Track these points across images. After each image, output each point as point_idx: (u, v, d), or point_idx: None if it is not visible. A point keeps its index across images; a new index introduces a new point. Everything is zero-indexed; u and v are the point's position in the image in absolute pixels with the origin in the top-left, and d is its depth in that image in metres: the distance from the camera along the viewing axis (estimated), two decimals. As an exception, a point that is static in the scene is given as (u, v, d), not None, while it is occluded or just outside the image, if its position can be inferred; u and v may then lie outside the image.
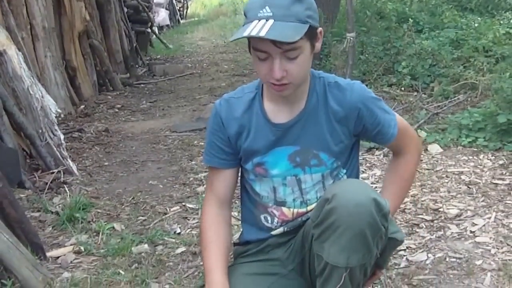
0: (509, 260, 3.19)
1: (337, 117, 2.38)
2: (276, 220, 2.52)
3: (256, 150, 2.44)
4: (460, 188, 4.28)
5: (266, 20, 2.10)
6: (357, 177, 2.63)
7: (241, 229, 2.76)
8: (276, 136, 2.41)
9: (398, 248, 3.24)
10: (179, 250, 3.65)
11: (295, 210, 2.49)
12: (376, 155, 5.15)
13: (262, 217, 2.55)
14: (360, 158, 4.60)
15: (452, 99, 6.68)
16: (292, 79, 2.20)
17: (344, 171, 2.51)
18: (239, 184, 2.67)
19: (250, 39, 2.20)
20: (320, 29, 2.25)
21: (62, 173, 5.12)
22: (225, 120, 2.47)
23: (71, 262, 3.57)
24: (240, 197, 2.74)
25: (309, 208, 2.46)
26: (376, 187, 4.23)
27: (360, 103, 2.37)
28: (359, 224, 2.06)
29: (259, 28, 2.08)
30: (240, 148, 2.48)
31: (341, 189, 2.14)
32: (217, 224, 2.50)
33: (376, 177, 4.69)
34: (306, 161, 2.41)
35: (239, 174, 2.59)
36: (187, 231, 3.96)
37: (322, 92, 2.40)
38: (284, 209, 2.50)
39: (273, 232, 2.54)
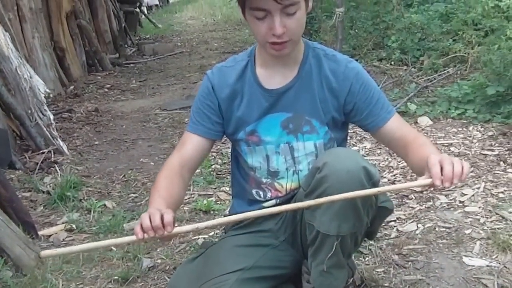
0: (497, 229, 3.22)
1: (329, 86, 2.38)
2: (269, 195, 2.53)
3: (249, 117, 2.44)
4: (449, 159, 4.29)
5: None
6: None
7: (231, 204, 2.77)
8: (269, 102, 2.41)
9: (388, 219, 3.29)
10: (170, 226, 3.65)
11: (288, 185, 2.49)
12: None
13: (253, 191, 2.55)
14: (350, 131, 4.65)
15: (442, 72, 6.69)
16: (291, 35, 2.20)
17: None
18: (230, 159, 2.66)
19: (251, 1, 2.17)
20: None
21: (52, 153, 5.12)
22: (217, 87, 2.45)
23: (63, 240, 3.58)
24: (231, 172, 2.74)
25: (301, 182, 2.45)
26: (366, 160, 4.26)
27: (353, 77, 2.37)
28: (350, 192, 2.06)
29: None
30: (231, 117, 2.47)
31: (331, 158, 2.15)
32: (172, 180, 2.34)
33: (366, 149, 4.71)
34: (298, 128, 2.41)
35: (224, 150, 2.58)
36: (178, 207, 3.96)
37: (316, 61, 2.41)
38: (277, 185, 2.50)
39: (265, 204, 2.54)
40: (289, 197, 2.51)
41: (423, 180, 1.98)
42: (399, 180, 4.02)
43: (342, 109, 2.42)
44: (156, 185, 2.32)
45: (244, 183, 2.59)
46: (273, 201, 2.53)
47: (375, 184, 2.15)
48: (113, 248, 3.35)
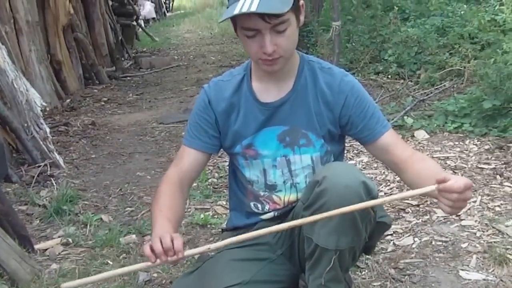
0: (494, 242, 3.22)
1: (324, 99, 2.40)
2: (267, 207, 2.54)
3: (245, 131, 2.45)
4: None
5: None
6: None
7: (229, 216, 2.77)
8: (265, 115, 2.43)
9: (385, 233, 3.27)
10: (166, 240, 3.65)
11: (286, 198, 2.50)
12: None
13: (252, 204, 2.56)
14: (347, 145, 4.65)
15: (438, 86, 6.71)
16: (282, 52, 2.23)
17: (332, 160, 2.52)
18: (227, 173, 2.66)
19: (237, 19, 2.21)
20: (302, 2, 2.29)
21: (48, 166, 5.10)
22: (213, 100, 2.48)
23: (59, 254, 3.56)
24: (228, 185, 2.74)
25: (299, 194, 2.47)
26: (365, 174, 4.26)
27: (348, 91, 2.39)
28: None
29: (248, 5, 2.10)
30: (228, 131, 2.48)
31: (331, 172, 2.16)
32: (173, 197, 2.37)
33: (363, 163, 4.70)
34: (295, 141, 2.43)
35: (224, 165, 2.58)
36: (174, 221, 3.96)
37: (311, 74, 2.43)
38: (275, 197, 2.51)
39: (263, 217, 2.54)
40: (288, 210, 2.52)
41: (426, 188, 1.98)
42: (396, 194, 4.01)
43: (337, 122, 2.43)
44: (158, 203, 2.33)
45: (242, 196, 2.60)
46: (271, 214, 2.54)
47: (373, 199, 2.15)
48: (109, 262, 3.35)
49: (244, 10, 2.09)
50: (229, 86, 2.49)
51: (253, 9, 2.08)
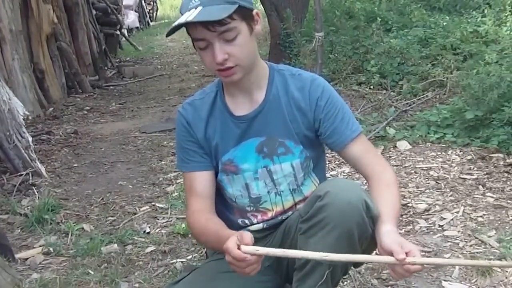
0: (477, 253, 3.23)
1: (297, 105, 2.39)
2: (255, 221, 2.53)
3: (224, 147, 2.44)
4: (428, 183, 4.31)
5: (195, 8, 2.14)
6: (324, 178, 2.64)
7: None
8: (240, 129, 2.41)
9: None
10: (148, 249, 3.65)
11: (273, 208, 2.49)
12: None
13: (239, 221, 2.55)
14: (329, 155, 4.65)
15: (421, 97, 6.72)
16: (236, 61, 2.22)
17: (312, 165, 2.51)
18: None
19: (190, 32, 2.23)
20: (256, 11, 2.28)
21: (30, 175, 5.06)
22: (192, 122, 2.46)
23: (40, 263, 3.55)
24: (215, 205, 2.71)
25: (285, 204, 2.48)
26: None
27: (319, 94, 2.38)
28: (349, 223, 2.07)
29: (187, 16, 2.14)
30: (210, 149, 2.47)
31: (333, 188, 2.15)
32: (211, 220, 2.40)
33: (345, 174, 4.70)
34: (273, 150, 2.41)
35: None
36: (156, 231, 3.95)
37: (282, 83, 2.42)
38: (262, 210, 2.50)
39: (251, 228, 2.52)
40: (277, 222, 2.51)
41: (387, 258, 2.02)
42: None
43: (312, 126, 2.42)
44: (208, 233, 2.35)
45: (229, 214, 2.57)
46: (260, 225, 2.52)
47: (373, 219, 2.15)
48: (90, 271, 3.33)
49: (182, 21, 2.15)
50: (204, 104, 2.48)
51: (190, 18, 2.12)
